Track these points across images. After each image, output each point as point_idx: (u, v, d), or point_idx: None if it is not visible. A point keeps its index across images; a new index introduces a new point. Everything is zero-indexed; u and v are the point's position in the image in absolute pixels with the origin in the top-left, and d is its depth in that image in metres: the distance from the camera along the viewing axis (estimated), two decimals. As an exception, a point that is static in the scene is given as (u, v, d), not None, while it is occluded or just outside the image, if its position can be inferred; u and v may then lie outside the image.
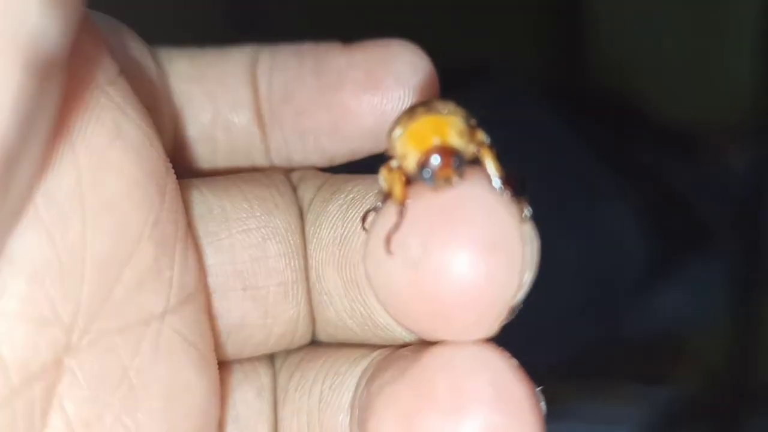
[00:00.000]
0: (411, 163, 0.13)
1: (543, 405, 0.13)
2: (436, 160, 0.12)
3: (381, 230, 0.13)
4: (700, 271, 0.68)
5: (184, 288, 0.14)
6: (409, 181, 0.13)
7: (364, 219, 0.14)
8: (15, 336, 0.12)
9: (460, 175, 0.12)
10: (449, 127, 0.13)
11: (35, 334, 0.12)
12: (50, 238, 0.12)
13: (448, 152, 0.12)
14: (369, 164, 0.16)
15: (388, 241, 0.12)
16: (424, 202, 0.12)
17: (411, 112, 0.14)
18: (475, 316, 0.12)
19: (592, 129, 0.69)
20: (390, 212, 0.13)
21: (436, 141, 0.13)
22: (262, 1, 0.73)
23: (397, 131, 0.13)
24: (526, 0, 0.78)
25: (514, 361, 0.13)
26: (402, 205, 0.12)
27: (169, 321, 0.14)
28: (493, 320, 0.13)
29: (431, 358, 0.13)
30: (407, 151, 0.13)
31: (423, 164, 0.13)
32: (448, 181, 0.12)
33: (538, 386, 0.13)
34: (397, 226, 0.12)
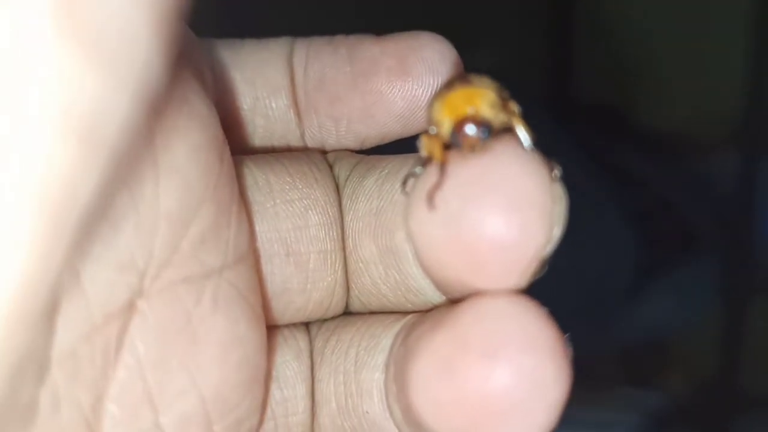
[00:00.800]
0: (445, 130, 0.14)
1: (570, 350, 0.14)
2: (464, 128, 0.14)
3: (422, 191, 0.14)
4: (688, 277, 0.68)
5: (239, 247, 0.16)
6: (447, 146, 0.14)
7: (404, 183, 0.15)
8: (97, 277, 0.13)
9: (487, 142, 0.14)
10: (480, 98, 0.14)
11: (114, 276, 0.14)
12: (129, 192, 0.13)
13: (476, 121, 0.14)
14: (398, 147, 0.18)
15: (430, 198, 0.14)
16: (462, 163, 0.14)
17: (449, 84, 0.15)
18: (508, 265, 0.14)
19: (582, 134, 0.69)
20: (431, 173, 0.14)
21: (466, 111, 0.14)
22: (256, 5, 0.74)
23: (436, 101, 0.15)
24: (517, 6, 0.78)
25: (544, 309, 0.14)
26: (442, 165, 0.14)
27: (226, 276, 0.15)
28: (524, 270, 0.14)
29: (465, 308, 0.14)
30: (442, 119, 0.14)
31: (454, 131, 0.14)
32: (474, 147, 0.14)
33: (566, 334, 0.14)
34: (438, 185, 0.14)
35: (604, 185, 0.66)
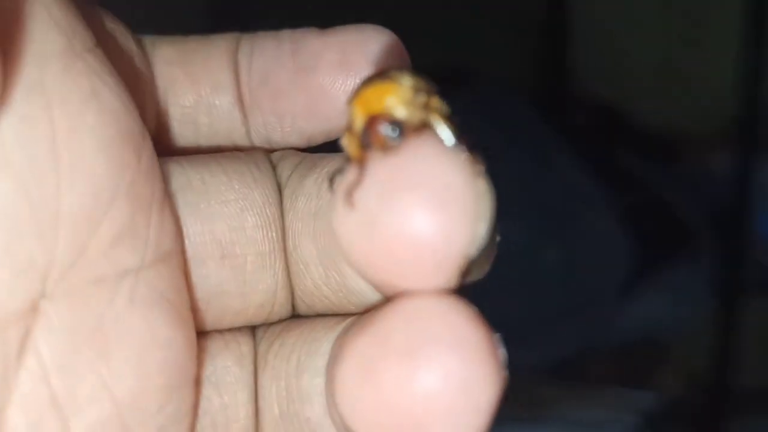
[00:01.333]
0: (358, 128, 0.14)
1: (502, 351, 0.13)
2: (375, 126, 0.13)
3: (343, 190, 0.13)
4: (682, 277, 0.68)
5: (160, 247, 0.15)
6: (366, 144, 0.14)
7: (331, 181, 0.15)
8: None
9: (399, 141, 0.13)
10: (394, 94, 0.14)
11: (12, 279, 0.13)
12: (25, 189, 0.13)
13: (386, 119, 0.13)
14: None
15: (348, 196, 0.13)
16: (381, 161, 0.13)
17: (368, 80, 0.14)
18: (431, 265, 0.13)
19: (576, 135, 0.69)
20: (353, 171, 0.13)
21: (378, 108, 0.13)
22: None
23: (352, 97, 0.14)
24: (511, 7, 0.78)
25: (473, 309, 0.13)
26: (361, 163, 0.13)
27: (144, 276, 0.15)
28: (450, 270, 0.13)
29: (389, 308, 0.13)
30: (356, 116, 0.14)
31: (365, 129, 0.13)
32: (384, 146, 0.13)
33: (497, 333, 0.13)
34: (356, 183, 0.13)
35: (598, 184, 0.66)
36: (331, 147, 0.17)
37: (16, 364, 0.13)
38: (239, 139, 0.18)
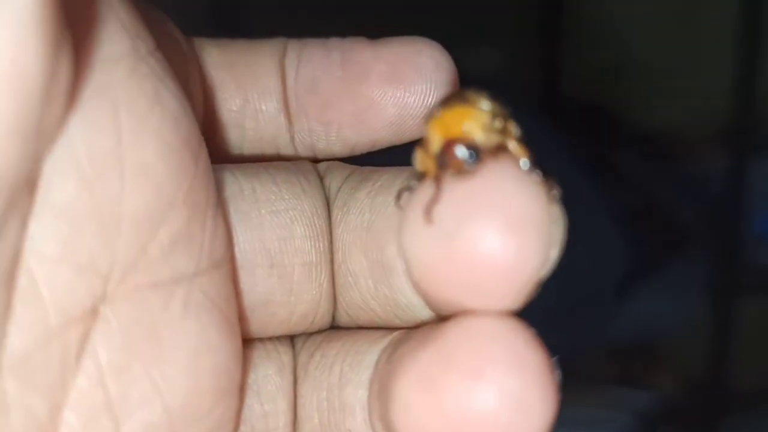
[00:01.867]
0: (435, 148, 0.14)
1: (558, 373, 0.13)
2: (452, 149, 0.13)
3: (417, 206, 0.14)
4: (678, 276, 0.69)
5: (214, 254, 0.15)
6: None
7: (398, 197, 0.15)
8: (55, 279, 0.13)
9: (475, 165, 0.13)
10: (473, 119, 0.14)
11: (74, 279, 0.13)
12: (91, 190, 0.13)
13: (464, 143, 0.14)
14: (389, 155, 0.18)
15: (428, 213, 0.13)
16: (458, 180, 0.13)
17: (446, 101, 0.15)
18: (503, 287, 0.13)
19: (572, 133, 0.70)
20: (427, 188, 0.14)
21: (456, 131, 0.14)
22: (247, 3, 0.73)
23: (431, 117, 0.14)
24: (506, 8, 0.78)
25: (532, 331, 0.13)
26: (438, 181, 0.13)
27: (198, 282, 0.15)
28: (520, 292, 0.13)
29: (452, 326, 0.13)
30: (434, 137, 0.14)
31: (442, 151, 0.14)
32: (460, 169, 0.13)
33: (554, 357, 0.14)
34: (435, 200, 0.13)
35: (593, 184, 0.66)
36: (373, 157, 0.18)
37: (74, 367, 0.13)
38: (283, 144, 0.18)
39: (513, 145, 0.14)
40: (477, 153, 0.13)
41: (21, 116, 0.11)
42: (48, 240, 0.13)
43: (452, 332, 0.13)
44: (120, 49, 0.13)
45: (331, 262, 0.17)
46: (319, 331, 0.18)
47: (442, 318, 0.14)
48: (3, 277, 0.12)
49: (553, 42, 0.81)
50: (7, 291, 0.12)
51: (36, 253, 0.13)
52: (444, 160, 0.13)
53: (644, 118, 0.75)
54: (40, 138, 0.12)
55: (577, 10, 0.79)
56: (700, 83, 0.74)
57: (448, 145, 0.14)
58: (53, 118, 0.12)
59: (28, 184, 0.12)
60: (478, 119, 0.14)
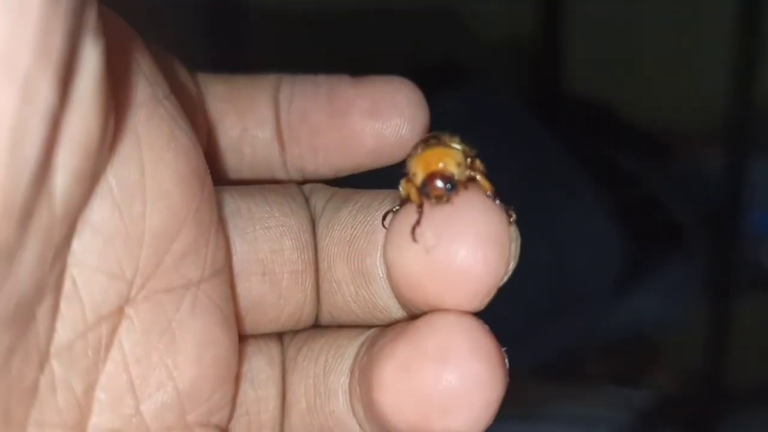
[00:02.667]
0: (418, 180, 0.17)
1: (506, 361, 0.17)
2: (433, 181, 0.17)
3: (400, 225, 0.17)
4: (674, 274, 0.69)
5: (216, 263, 0.18)
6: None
7: (384, 218, 0.18)
8: (91, 284, 0.16)
9: (451, 194, 0.17)
10: (449, 157, 0.17)
11: (106, 284, 0.16)
12: (120, 212, 0.16)
13: (443, 177, 0.17)
14: (369, 178, 0.21)
15: (413, 232, 0.16)
16: (437, 206, 0.17)
17: (425, 141, 0.18)
18: (472, 291, 0.16)
19: (568, 132, 0.70)
20: (410, 212, 0.17)
21: (436, 167, 0.17)
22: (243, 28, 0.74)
23: (413, 154, 0.18)
24: (506, 8, 0.78)
25: (486, 327, 0.17)
26: (421, 207, 0.17)
27: (203, 287, 0.18)
28: (485, 296, 0.16)
29: (423, 322, 0.17)
30: (417, 171, 0.17)
31: (425, 183, 0.17)
32: (440, 197, 0.17)
33: (504, 348, 0.17)
34: (419, 222, 0.16)
35: (590, 182, 0.66)
36: (355, 179, 0.21)
37: (104, 354, 0.16)
38: (277, 167, 0.22)
39: (480, 178, 0.17)
40: (453, 184, 0.17)
41: (86, 169, 0.14)
42: (86, 253, 0.16)
43: (424, 327, 0.17)
44: (142, 96, 0.16)
45: (316, 270, 0.20)
46: (305, 329, 0.20)
47: (414, 317, 0.18)
48: (54, 284, 0.15)
49: (552, 40, 0.81)
50: (56, 295, 0.15)
51: (77, 264, 0.16)
52: (426, 189, 0.17)
53: (642, 116, 0.76)
54: (94, 179, 0.15)
55: (576, 11, 0.79)
56: (697, 81, 0.74)
57: (431, 178, 0.17)
58: (103, 162, 0.15)
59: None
60: (453, 157, 0.17)
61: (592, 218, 0.65)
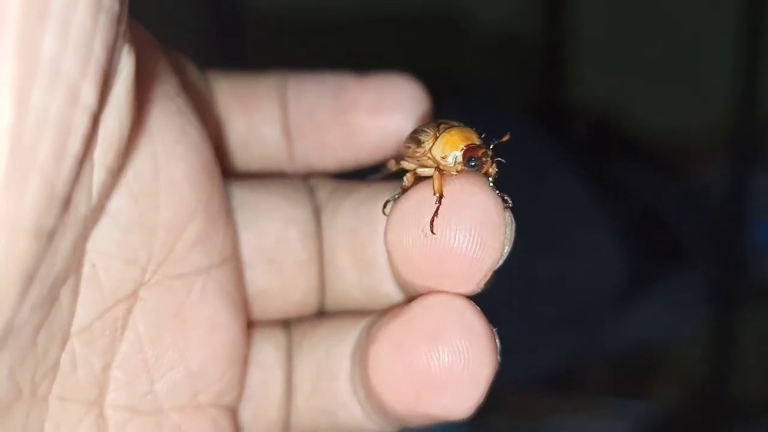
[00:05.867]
0: (452, 160, 0.17)
1: (498, 341, 0.17)
2: (476, 153, 0.17)
3: (399, 212, 0.17)
4: (678, 287, 0.69)
5: (225, 252, 0.19)
6: (419, 178, 0.18)
7: (384, 206, 0.19)
8: (109, 269, 0.17)
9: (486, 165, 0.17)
10: (472, 134, 0.18)
11: (122, 269, 0.17)
12: (136, 202, 0.17)
13: (481, 148, 0.17)
14: (371, 171, 0.21)
15: (431, 223, 0.17)
16: (433, 198, 0.17)
17: (436, 127, 0.18)
18: (469, 273, 0.17)
19: (572, 147, 0.70)
20: (409, 198, 0.17)
21: (472, 141, 0.18)
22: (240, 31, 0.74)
23: (429, 142, 0.18)
24: (509, 20, 0.79)
25: (477, 308, 0.17)
26: (441, 195, 0.17)
27: (213, 274, 0.18)
28: (481, 278, 0.17)
29: (417, 303, 0.17)
30: (446, 153, 0.18)
31: (469, 159, 0.17)
32: (486, 168, 0.17)
33: (495, 328, 0.17)
34: (437, 212, 0.17)
35: (595, 196, 0.66)
36: (358, 173, 0.22)
37: (120, 335, 0.17)
38: (283, 161, 0.22)
39: (490, 162, 0.18)
40: (487, 156, 0.17)
41: (118, 163, 0.16)
42: (105, 240, 0.17)
43: (417, 307, 0.17)
44: (155, 92, 0.17)
45: (320, 260, 0.21)
46: (310, 316, 0.21)
47: (411, 299, 0.18)
48: (75, 268, 0.16)
49: (556, 54, 0.81)
50: (77, 278, 0.16)
51: (96, 249, 0.16)
52: (471, 162, 0.17)
53: (646, 130, 0.76)
54: (120, 172, 0.16)
55: (579, 23, 0.80)
56: (702, 96, 0.74)
57: (473, 151, 0.17)
58: (125, 158, 0.16)
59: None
60: (473, 133, 0.18)
61: (595, 232, 0.65)
